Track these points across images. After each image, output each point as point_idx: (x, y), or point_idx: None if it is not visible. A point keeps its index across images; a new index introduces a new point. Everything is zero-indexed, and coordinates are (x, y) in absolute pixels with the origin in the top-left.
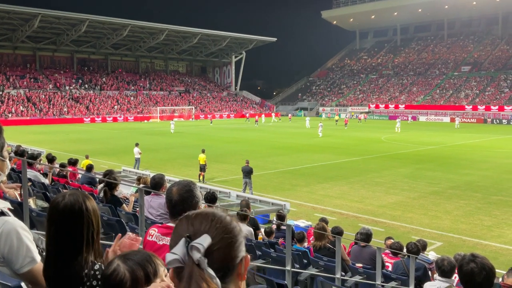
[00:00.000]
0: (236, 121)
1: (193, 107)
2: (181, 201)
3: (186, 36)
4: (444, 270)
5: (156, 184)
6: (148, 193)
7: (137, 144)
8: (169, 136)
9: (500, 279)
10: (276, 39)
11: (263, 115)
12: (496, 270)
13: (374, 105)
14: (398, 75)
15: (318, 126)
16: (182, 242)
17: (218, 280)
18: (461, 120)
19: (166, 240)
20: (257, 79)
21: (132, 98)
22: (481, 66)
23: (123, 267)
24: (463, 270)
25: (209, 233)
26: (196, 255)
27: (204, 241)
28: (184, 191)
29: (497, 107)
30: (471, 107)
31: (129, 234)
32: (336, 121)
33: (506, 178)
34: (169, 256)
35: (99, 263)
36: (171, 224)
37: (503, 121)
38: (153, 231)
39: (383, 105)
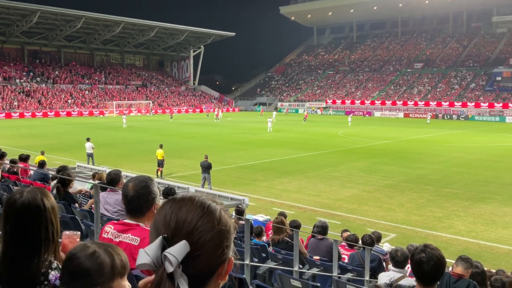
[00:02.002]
0: (197, 116)
1: (151, 102)
2: (137, 197)
3: (143, 29)
4: (398, 260)
5: (112, 180)
6: (104, 189)
7: (88, 139)
8: (126, 131)
9: (450, 268)
10: (234, 33)
11: (219, 110)
12: (447, 260)
13: (331, 101)
14: (354, 71)
15: (267, 121)
16: (157, 243)
17: None
18: (415, 115)
19: (123, 237)
20: (215, 74)
21: (86, 92)
22: (433, 63)
23: (85, 257)
24: (413, 260)
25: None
26: (169, 268)
27: (181, 252)
28: (140, 187)
29: (447, 103)
30: (423, 103)
31: (65, 232)
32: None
33: (456, 171)
34: (141, 257)
35: (56, 262)
36: (128, 221)
37: (454, 116)
38: (109, 228)
39: (340, 101)
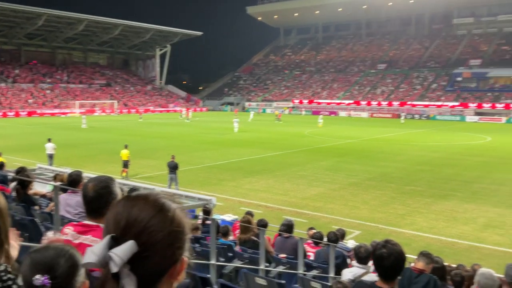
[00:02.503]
0: (167, 116)
1: (116, 101)
2: (97, 198)
3: (107, 27)
4: (361, 257)
5: (73, 181)
6: (65, 191)
7: (49, 140)
8: (90, 131)
9: (412, 264)
10: (202, 33)
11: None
12: (409, 256)
13: (298, 101)
14: (320, 72)
15: (233, 121)
16: (104, 242)
17: None
18: (378, 115)
19: (83, 239)
20: (182, 74)
21: (48, 91)
22: (396, 64)
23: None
24: (375, 255)
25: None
26: (113, 268)
27: (127, 252)
28: (100, 187)
29: (410, 103)
30: (386, 103)
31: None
32: (277, 115)
33: (418, 170)
34: (87, 256)
35: (5, 264)
36: (88, 222)
37: (416, 116)
38: (68, 230)
39: (307, 101)
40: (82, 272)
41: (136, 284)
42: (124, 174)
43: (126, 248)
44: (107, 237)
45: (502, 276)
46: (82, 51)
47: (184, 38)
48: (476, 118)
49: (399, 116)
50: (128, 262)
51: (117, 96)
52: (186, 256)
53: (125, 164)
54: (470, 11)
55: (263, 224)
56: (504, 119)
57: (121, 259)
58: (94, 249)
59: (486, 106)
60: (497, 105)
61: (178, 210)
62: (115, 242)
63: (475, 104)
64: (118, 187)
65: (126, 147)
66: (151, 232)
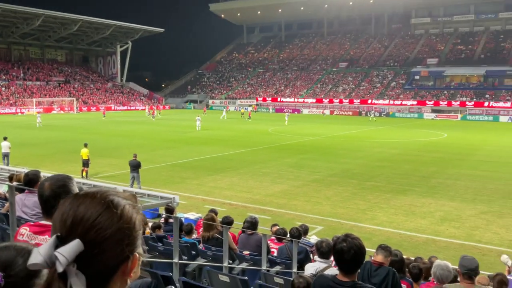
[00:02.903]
0: (132, 114)
1: (75, 99)
2: (54, 197)
3: (65, 22)
4: (323, 251)
5: (30, 181)
6: (22, 191)
7: (5, 138)
8: (48, 130)
9: (372, 257)
10: (163, 30)
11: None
12: (370, 249)
13: (261, 98)
14: (283, 70)
15: (196, 119)
16: (50, 242)
17: None
18: (340, 113)
19: (40, 239)
20: (144, 71)
21: (3, 88)
22: (356, 62)
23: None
24: (335, 249)
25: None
26: (58, 268)
27: (72, 251)
28: (57, 186)
29: (370, 101)
30: (348, 100)
31: None
32: (242, 114)
33: (378, 166)
34: (33, 257)
35: None
36: (44, 222)
37: (376, 113)
38: (24, 230)
39: (270, 98)
40: (44, 274)
41: (85, 283)
42: (84, 173)
43: (71, 247)
44: (53, 237)
45: (457, 267)
46: (39, 47)
47: (146, 34)
48: (433, 115)
49: (367, 114)
50: (76, 261)
51: (76, 94)
52: (139, 253)
53: (85, 163)
54: (428, 12)
55: (228, 222)
56: (459, 116)
57: (66, 259)
58: (40, 250)
59: (443, 103)
60: (453, 102)
61: (127, 206)
62: (61, 241)
63: (432, 102)
64: (76, 186)
65: (86, 145)
66: (98, 230)
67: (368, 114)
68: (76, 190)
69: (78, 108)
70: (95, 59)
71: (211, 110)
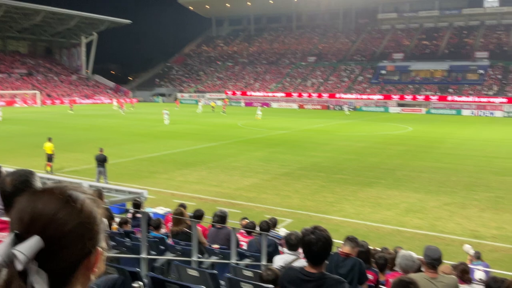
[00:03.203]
0: (99, 107)
1: (38, 92)
2: (16, 193)
3: (28, 13)
4: (292, 244)
5: None
6: None
7: None
8: (10, 123)
9: (340, 248)
10: (130, 21)
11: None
12: (337, 241)
13: (231, 92)
14: (252, 63)
15: (163, 113)
16: (8, 240)
17: None
18: (308, 106)
19: (1, 236)
20: (111, 63)
21: None
22: (325, 57)
23: None
24: (304, 241)
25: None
26: (17, 266)
27: (31, 249)
28: (19, 182)
29: (338, 95)
30: (316, 94)
31: None
32: (213, 107)
33: (345, 159)
34: None
35: None
36: (6, 219)
37: (350, 108)
38: None
39: (240, 92)
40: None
41: (47, 280)
42: (48, 168)
43: (30, 244)
44: (11, 235)
45: (421, 257)
46: (1, 38)
47: (112, 26)
48: (399, 109)
49: (341, 108)
50: (36, 258)
51: (39, 86)
52: (102, 247)
53: (49, 158)
54: (394, 7)
55: (199, 215)
56: (424, 110)
57: (25, 256)
58: None
59: (408, 97)
60: (418, 96)
61: (87, 200)
62: (19, 239)
63: (397, 96)
64: (39, 181)
65: (49, 140)
66: (57, 226)
67: (342, 108)
68: (39, 185)
69: (42, 101)
70: (59, 51)
71: (182, 104)
